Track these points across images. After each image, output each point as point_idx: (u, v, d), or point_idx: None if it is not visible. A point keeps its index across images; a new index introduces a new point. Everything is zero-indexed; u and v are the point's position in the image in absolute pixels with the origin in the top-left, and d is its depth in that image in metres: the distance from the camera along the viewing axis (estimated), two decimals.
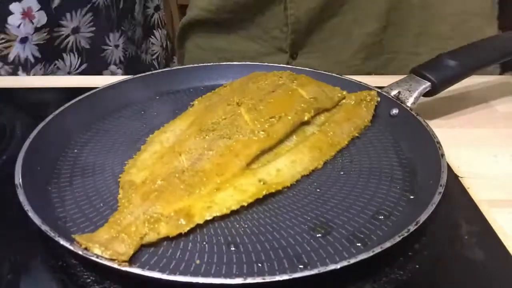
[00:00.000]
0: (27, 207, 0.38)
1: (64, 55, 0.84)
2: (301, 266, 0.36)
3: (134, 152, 0.49)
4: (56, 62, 0.83)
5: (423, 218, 0.37)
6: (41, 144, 0.47)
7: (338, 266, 0.33)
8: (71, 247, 0.34)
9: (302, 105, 0.52)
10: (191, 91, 0.64)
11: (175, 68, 0.67)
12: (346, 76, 0.62)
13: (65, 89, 0.67)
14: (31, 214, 0.37)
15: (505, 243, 0.40)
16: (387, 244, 0.35)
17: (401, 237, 0.35)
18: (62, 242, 0.34)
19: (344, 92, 0.57)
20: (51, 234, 0.35)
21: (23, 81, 0.75)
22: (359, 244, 0.38)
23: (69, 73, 0.85)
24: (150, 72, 0.64)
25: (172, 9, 1.77)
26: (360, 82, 0.60)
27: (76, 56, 0.85)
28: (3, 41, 0.78)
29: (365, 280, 0.36)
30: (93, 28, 0.85)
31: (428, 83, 0.55)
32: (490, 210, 0.44)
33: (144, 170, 0.45)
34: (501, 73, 0.81)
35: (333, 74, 0.62)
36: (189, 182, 0.42)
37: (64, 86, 0.69)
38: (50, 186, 0.45)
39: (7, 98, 0.65)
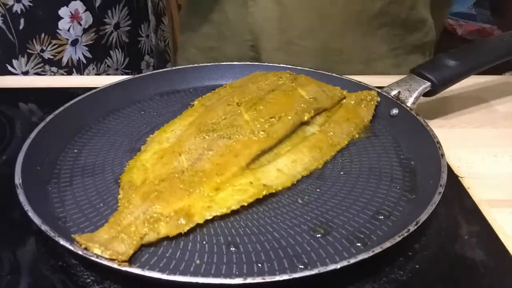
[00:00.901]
0: (27, 207, 0.38)
1: (111, 52, 0.87)
2: (301, 266, 0.36)
3: (134, 152, 0.49)
4: (106, 60, 0.86)
5: (423, 218, 0.37)
6: (41, 144, 0.47)
7: (338, 266, 0.33)
8: (71, 247, 0.34)
9: (302, 105, 0.52)
10: (191, 91, 0.64)
11: (175, 68, 0.67)
12: (346, 76, 0.62)
13: (65, 89, 0.67)
14: (31, 214, 0.37)
15: (505, 243, 0.40)
16: (387, 244, 0.35)
17: (401, 237, 0.35)
18: (62, 242, 0.34)
19: (344, 92, 0.57)
20: (51, 234, 0.35)
21: (23, 81, 0.75)
22: (359, 244, 0.38)
23: (116, 70, 0.88)
24: (150, 72, 0.65)
25: (172, 9, 1.77)
26: (360, 82, 0.60)
27: (120, 51, 0.88)
28: (55, 46, 0.81)
29: (365, 280, 0.36)
30: (130, 22, 0.88)
31: (428, 83, 0.55)
32: (490, 210, 0.44)
33: (144, 170, 0.45)
34: (501, 73, 0.81)
35: (333, 74, 0.62)
36: (189, 182, 0.42)
37: (64, 86, 0.69)
38: (50, 186, 0.45)
39: (7, 98, 0.65)
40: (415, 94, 0.55)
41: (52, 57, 0.81)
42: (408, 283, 0.36)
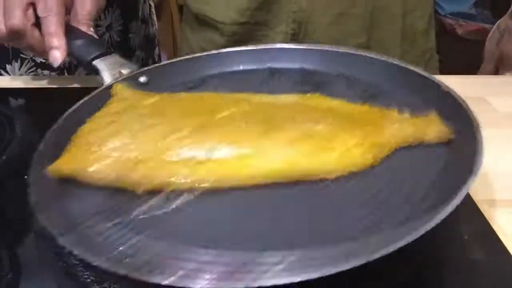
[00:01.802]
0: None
1: None
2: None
3: None
4: None
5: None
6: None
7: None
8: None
9: None
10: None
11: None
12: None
13: (66, 89, 0.67)
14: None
15: (505, 243, 0.40)
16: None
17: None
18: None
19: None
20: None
21: (23, 81, 0.75)
22: None
23: None
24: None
25: (172, 9, 1.77)
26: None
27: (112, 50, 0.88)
28: None
29: (364, 280, 0.36)
30: (122, 21, 0.89)
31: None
32: (490, 210, 0.44)
33: None
34: (501, 73, 0.81)
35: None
36: None
37: (65, 86, 0.69)
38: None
39: (7, 98, 0.65)
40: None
41: (44, 60, 0.81)
42: (408, 283, 0.36)
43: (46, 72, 0.82)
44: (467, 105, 0.47)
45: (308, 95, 0.53)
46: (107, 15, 0.85)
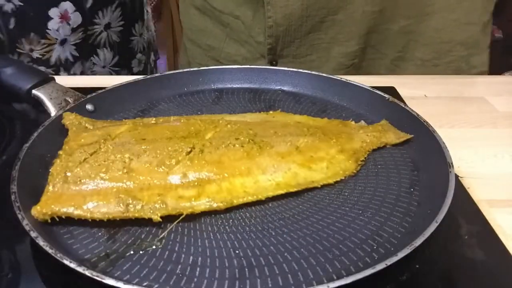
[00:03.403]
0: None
1: (99, 50, 0.88)
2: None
3: None
4: (92, 58, 0.88)
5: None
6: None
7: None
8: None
9: None
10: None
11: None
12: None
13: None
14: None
15: (505, 243, 0.40)
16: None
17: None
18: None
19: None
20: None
21: None
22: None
23: (103, 67, 0.90)
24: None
25: (172, 9, 1.77)
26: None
27: (109, 50, 0.89)
28: (44, 46, 0.81)
29: (365, 280, 0.36)
30: (122, 22, 0.89)
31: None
32: (490, 210, 0.44)
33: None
34: (501, 73, 0.81)
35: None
36: None
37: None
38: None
39: (8, 98, 0.65)
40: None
41: (40, 56, 0.82)
42: (408, 283, 0.36)
43: (42, 68, 0.82)
44: (411, 109, 0.53)
45: (271, 112, 0.56)
46: (106, 13, 0.85)
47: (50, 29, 0.80)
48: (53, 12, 0.79)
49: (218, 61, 0.82)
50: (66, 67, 0.85)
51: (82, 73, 0.87)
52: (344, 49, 0.75)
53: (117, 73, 0.92)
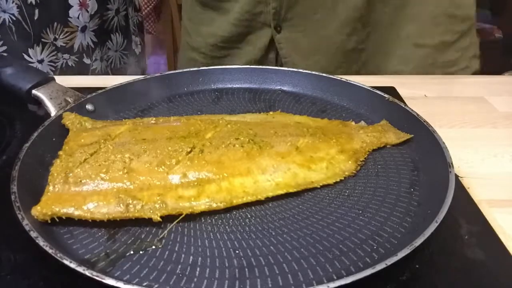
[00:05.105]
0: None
1: (112, 35, 0.93)
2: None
3: None
4: (107, 43, 0.93)
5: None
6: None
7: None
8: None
9: None
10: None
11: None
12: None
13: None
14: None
15: (505, 243, 0.40)
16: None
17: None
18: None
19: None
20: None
21: None
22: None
23: (116, 51, 0.95)
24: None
25: (172, 9, 1.77)
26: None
27: (120, 34, 0.95)
28: (67, 34, 0.86)
29: (365, 280, 0.36)
30: (125, 6, 0.94)
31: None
32: (490, 210, 0.44)
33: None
34: (501, 73, 0.81)
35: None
36: None
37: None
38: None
39: (8, 98, 0.65)
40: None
41: (64, 44, 0.86)
42: (408, 283, 0.36)
43: (66, 56, 0.86)
44: (411, 109, 0.53)
45: (271, 112, 0.56)
46: None
47: (71, 17, 0.85)
48: (73, 0, 0.84)
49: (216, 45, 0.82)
50: (88, 53, 0.89)
51: (101, 59, 0.92)
52: (349, 3, 0.74)
53: (126, 56, 0.97)
